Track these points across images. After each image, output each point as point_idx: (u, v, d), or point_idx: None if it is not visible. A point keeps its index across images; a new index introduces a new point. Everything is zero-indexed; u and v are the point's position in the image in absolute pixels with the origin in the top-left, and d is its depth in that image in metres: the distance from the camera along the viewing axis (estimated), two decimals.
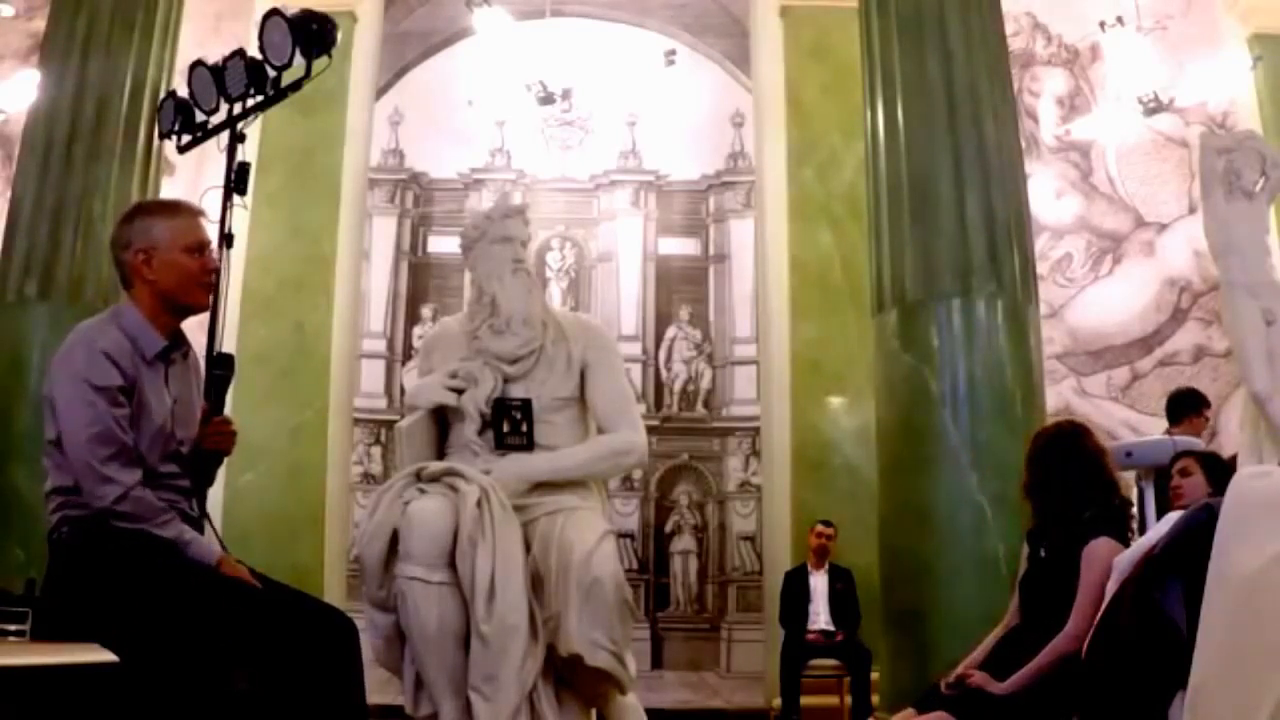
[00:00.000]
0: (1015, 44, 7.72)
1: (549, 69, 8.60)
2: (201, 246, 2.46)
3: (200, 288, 2.46)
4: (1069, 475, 3.05)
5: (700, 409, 9.31)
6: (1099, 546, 2.88)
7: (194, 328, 2.57)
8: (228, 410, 2.58)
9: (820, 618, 6.28)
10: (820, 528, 6.45)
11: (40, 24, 6.67)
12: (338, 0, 6.75)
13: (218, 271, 2.53)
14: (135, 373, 2.32)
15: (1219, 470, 3.29)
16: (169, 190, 6.21)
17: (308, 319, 7.38)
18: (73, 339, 2.35)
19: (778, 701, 6.20)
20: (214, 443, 2.50)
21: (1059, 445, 3.12)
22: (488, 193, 9.38)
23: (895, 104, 5.16)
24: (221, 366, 2.56)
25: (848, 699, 6.10)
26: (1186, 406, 5.54)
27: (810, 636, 6.18)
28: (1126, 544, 2.90)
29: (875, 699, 5.51)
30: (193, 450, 2.46)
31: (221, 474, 2.69)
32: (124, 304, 2.45)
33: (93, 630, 2.10)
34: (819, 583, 6.38)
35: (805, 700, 6.01)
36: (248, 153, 2.94)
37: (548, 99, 8.65)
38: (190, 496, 2.46)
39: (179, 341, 2.50)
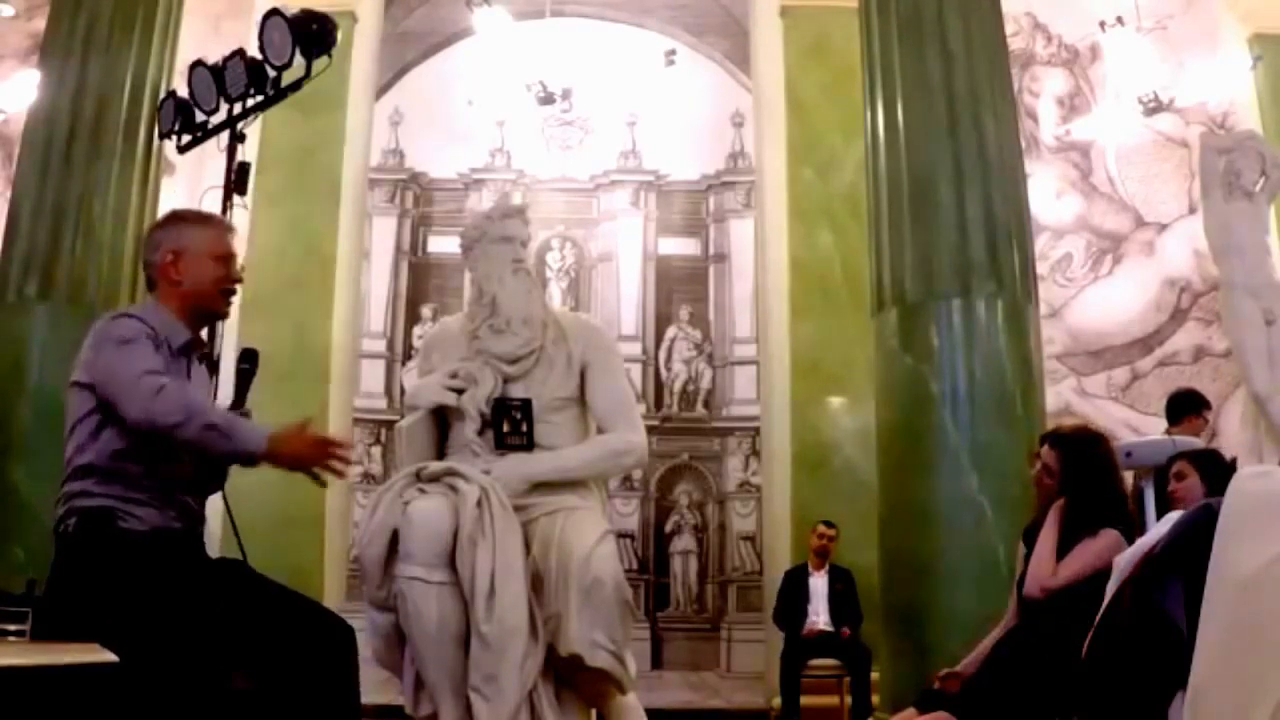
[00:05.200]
0: (1015, 44, 7.72)
1: (549, 69, 8.60)
2: (229, 257, 2.53)
3: (222, 295, 2.52)
4: (1106, 485, 3.05)
5: (700, 409, 9.31)
6: (1109, 535, 2.89)
7: None
8: (249, 406, 2.58)
9: (820, 618, 6.28)
10: (821, 528, 6.44)
11: (40, 24, 6.66)
12: (338, 0, 6.74)
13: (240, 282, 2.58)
14: (163, 356, 2.35)
15: (1215, 469, 3.25)
16: (169, 190, 6.20)
17: (308, 319, 7.38)
18: (100, 324, 2.39)
19: (778, 701, 6.19)
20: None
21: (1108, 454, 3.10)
22: (488, 193, 9.39)
23: (895, 104, 5.16)
24: (247, 361, 2.61)
25: (848, 699, 6.10)
26: (1186, 407, 5.54)
27: (810, 634, 6.18)
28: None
29: (875, 699, 5.51)
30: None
31: None
32: (150, 302, 2.50)
33: (93, 629, 2.11)
34: (819, 583, 6.38)
35: (805, 700, 6.00)
36: (248, 153, 2.95)
37: (548, 99, 8.66)
38: (198, 493, 2.46)
39: (200, 343, 2.55)
